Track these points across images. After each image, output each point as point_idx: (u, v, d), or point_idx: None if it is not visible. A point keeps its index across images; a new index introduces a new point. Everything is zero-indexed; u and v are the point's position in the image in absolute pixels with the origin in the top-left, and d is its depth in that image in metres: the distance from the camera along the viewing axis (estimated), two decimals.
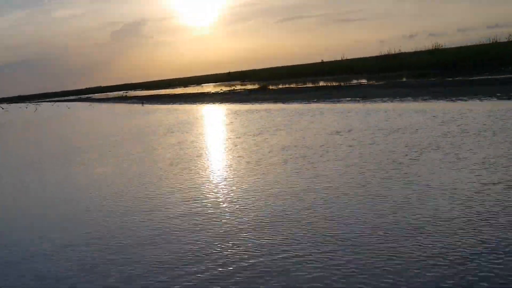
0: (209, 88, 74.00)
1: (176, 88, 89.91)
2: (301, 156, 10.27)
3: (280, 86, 42.40)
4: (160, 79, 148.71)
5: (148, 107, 37.65)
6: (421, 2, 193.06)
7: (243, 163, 10.23)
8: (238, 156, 11.11)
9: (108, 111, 38.26)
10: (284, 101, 25.65)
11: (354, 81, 37.76)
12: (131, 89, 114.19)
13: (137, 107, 39.44)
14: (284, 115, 19.09)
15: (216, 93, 43.88)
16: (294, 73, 68.27)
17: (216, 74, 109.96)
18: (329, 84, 34.01)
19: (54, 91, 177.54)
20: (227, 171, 9.63)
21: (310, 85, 39.19)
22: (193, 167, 10.45)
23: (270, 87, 42.32)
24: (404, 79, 30.56)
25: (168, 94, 51.37)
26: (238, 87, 55.87)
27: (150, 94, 65.62)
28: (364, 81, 35.22)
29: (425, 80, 26.23)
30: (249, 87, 53.10)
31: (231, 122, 18.61)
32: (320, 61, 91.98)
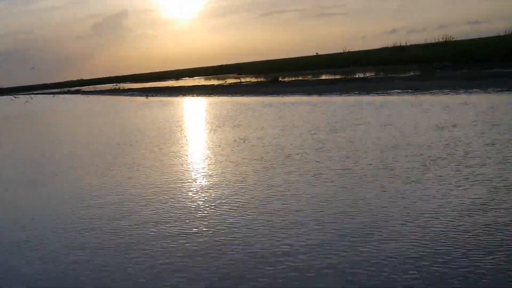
0: (201, 80, 71.30)
1: (168, 81, 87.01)
2: (439, 158, 8.22)
3: (295, 78, 40.23)
4: (146, 72, 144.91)
5: (154, 99, 35.21)
6: None
7: (370, 169, 8.14)
8: (347, 157, 9.01)
9: (116, 104, 35.62)
10: (319, 93, 23.58)
11: (359, 74, 35.95)
12: (115, 82, 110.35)
13: (142, 99, 36.93)
14: (338, 108, 17.04)
15: (224, 85, 41.53)
16: (292, 66, 66.08)
17: (207, 67, 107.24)
18: (358, 76, 31.92)
19: (32, 84, 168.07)
20: (369, 182, 7.53)
21: (330, 77, 37.09)
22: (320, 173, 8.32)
23: (281, 79, 40.08)
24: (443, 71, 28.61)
25: (170, 86, 48.75)
26: (236, 79, 53.36)
27: (144, 86, 62.84)
28: (381, 74, 33.21)
29: (474, 71, 24.34)
30: (248, 79, 50.81)
31: (281, 116, 16.48)
32: (315, 53, 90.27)
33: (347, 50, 65.91)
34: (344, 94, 21.92)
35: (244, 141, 12.03)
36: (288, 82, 36.54)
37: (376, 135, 11.08)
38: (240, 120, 16.58)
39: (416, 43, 57.78)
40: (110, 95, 52.05)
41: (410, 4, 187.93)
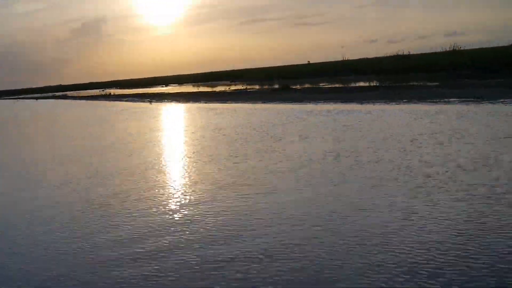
0: (191, 87, 68.80)
1: (157, 87, 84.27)
2: None
3: (310, 86, 38.27)
4: (130, 78, 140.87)
5: (161, 105, 32.73)
6: (380, 9, 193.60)
7: None
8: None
9: (128, 109, 32.97)
10: (359, 100, 21.63)
11: (369, 83, 34.18)
12: (98, 88, 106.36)
13: (145, 105, 34.47)
14: (404, 117, 15.06)
15: (232, 92, 39.29)
16: (289, 74, 63.94)
17: (197, 74, 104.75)
18: (382, 84, 30.04)
19: (8, 88, 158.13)
20: None
21: (343, 85, 35.29)
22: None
23: (293, 86, 38.03)
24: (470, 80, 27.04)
25: (172, 92, 46.11)
26: (240, 86, 51.22)
27: (139, 92, 60.15)
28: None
29: None
30: (247, 86, 48.66)
31: (345, 126, 14.41)
32: (306, 62, 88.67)
33: (346, 58, 64.32)
34: (391, 102, 20.01)
35: (340, 156, 9.89)
36: (303, 89, 34.59)
37: None
38: (297, 129, 14.46)
39: (419, 52, 56.76)
40: (105, 100, 49.27)
41: (387, 15, 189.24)
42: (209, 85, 67.40)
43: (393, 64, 49.64)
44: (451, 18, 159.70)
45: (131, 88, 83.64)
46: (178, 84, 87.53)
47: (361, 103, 20.72)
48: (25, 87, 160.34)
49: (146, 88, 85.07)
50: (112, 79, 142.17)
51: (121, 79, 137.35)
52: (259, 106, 24.89)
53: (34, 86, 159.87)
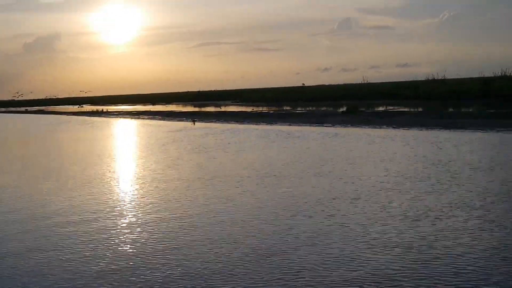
0: (179, 106, 61.68)
1: (137, 105, 76.22)
2: None
3: (385, 108, 31.97)
4: (101, 95, 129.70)
5: (207, 125, 25.33)
6: (334, 38, 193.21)
7: None
8: None
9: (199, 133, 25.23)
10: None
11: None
12: (58, 104, 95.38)
13: (190, 125, 27.06)
14: None
15: (281, 113, 32.43)
16: (292, 96, 57.69)
17: (183, 93, 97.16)
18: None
19: None
20: None
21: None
22: None
23: (361, 108, 31.54)
24: None
25: (217, 112, 38.01)
26: (254, 107, 44.20)
27: (148, 109, 52.15)
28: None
29: None
30: (254, 108, 41.88)
31: None
32: (301, 84, 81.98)
33: (366, 81, 58.11)
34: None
35: None
36: (367, 112, 28.19)
37: None
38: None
39: (452, 77, 51.76)
40: (109, 117, 41.27)
41: (340, 44, 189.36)
42: (198, 105, 60.49)
43: (435, 88, 43.77)
44: (402, 51, 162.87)
45: (110, 105, 74.50)
46: (166, 102, 79.32)
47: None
48: None
49: (124, 105, 77.25)
50: (68, 95, 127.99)
51: (93, 95, 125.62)
52: (356, 131, 18.20)
53: None
